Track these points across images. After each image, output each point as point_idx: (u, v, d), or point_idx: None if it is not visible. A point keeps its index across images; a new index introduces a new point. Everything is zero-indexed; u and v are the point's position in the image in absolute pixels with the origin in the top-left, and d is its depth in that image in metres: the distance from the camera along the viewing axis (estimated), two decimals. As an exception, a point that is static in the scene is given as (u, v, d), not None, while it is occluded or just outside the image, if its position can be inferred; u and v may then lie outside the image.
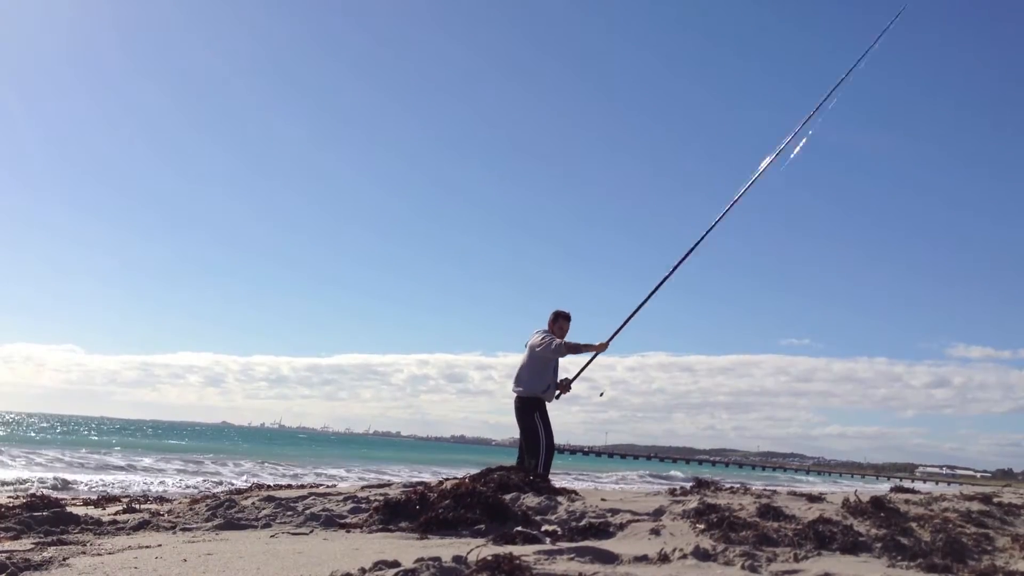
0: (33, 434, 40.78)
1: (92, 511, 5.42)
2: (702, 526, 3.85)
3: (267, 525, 4.59)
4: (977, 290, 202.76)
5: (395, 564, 3.07)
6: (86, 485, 12.17)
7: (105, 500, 6.42)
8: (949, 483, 77.11)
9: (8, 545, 3.78)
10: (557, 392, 6.52)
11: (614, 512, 4.46)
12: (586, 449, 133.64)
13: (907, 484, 7.41)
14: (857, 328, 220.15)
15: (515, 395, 6.43)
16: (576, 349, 6.35)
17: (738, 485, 5.95)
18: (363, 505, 4.90)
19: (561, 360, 6.53)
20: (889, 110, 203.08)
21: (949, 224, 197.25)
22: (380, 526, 4.36)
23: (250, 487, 6.76)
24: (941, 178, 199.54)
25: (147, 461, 20.27)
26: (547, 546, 3.62)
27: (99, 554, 3.54)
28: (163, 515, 4.98)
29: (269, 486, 6.86)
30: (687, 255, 6.59)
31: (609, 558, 3.37)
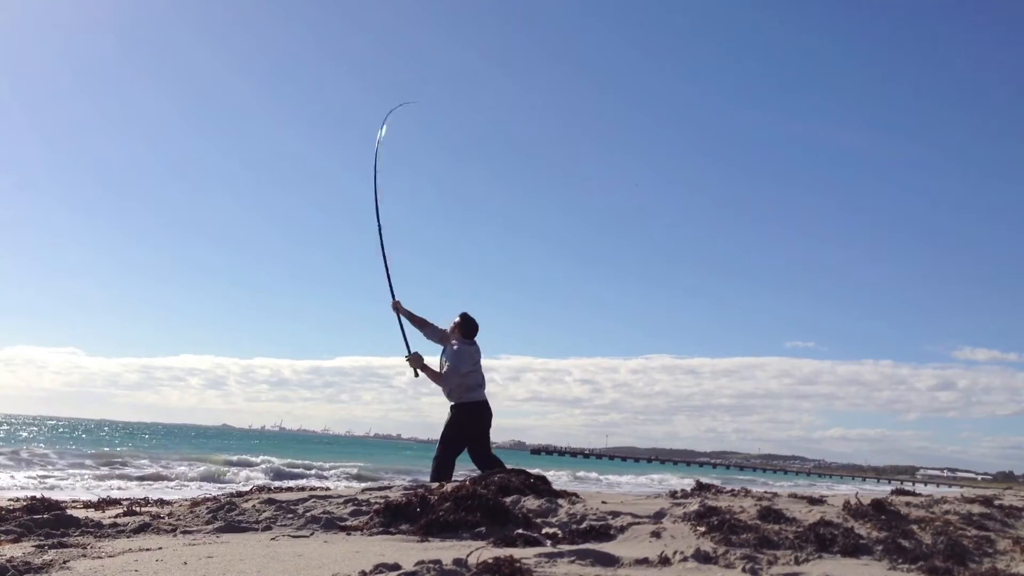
0: (35, 436, 40.75)
1: (92, 514, 5.41)
2: (703, 529, 3.84)
3: (267, 528, 4.58)
4: (984, 292, 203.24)
5: (396, 567, 3.06)
6: (86, 487, 12.17)
7: (105, 503, 6.40)
8: (950, 485, 77.12)
9: (8, 548, 3.78)
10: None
11: (615, 515, 4.46)
12: (587, 451, 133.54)
13: (908, 487, 7.39)
14: (863, 331, 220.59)
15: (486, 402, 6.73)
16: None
17: (739, 488, 5.94)
18: (363, 508, 4.89)
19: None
20: (896, 112, 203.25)
21: (956, 226, 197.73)
22: (380, 529, 4.35)
23: (251, 489, 6.74)
24: (948, 180, 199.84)
25: (148, 463, 20.25)
26: (548, 548, 3.61)
27: (99, 557, 3.53)
28: (163, 518, 4.97)
29: (270, 488, 6.84)
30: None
31: (610, 561, 3.37)
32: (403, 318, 7.00)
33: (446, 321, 7.06)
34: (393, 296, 7.01)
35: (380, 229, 7.19)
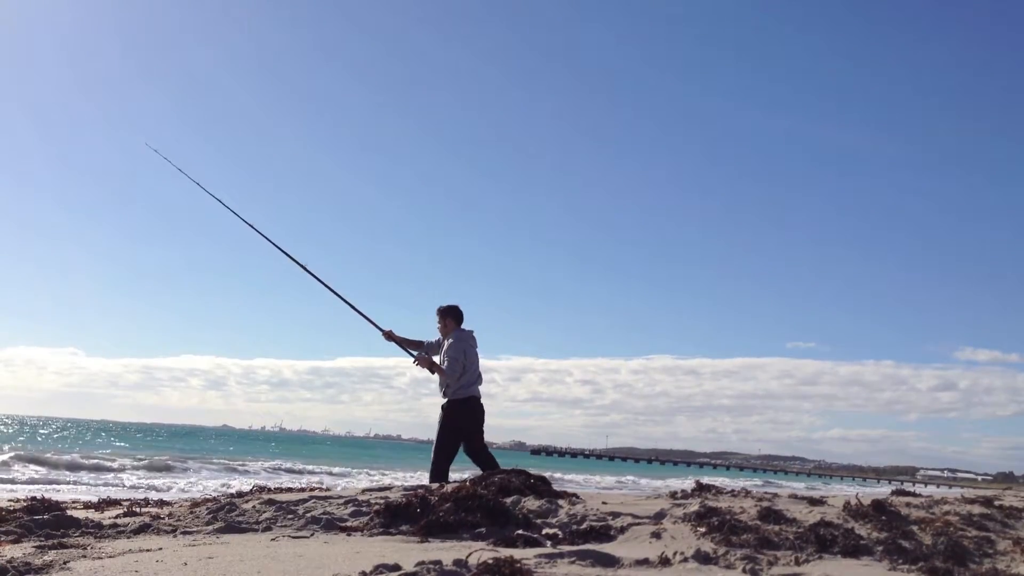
0: (35, 437, 40.78)
1: (92, 514, 5.42)
2: (703, 529, 3.85)
3: (268, 528, 4.58)
4: (984, 293, 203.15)
5: (396, 567, 3.07)
6: (86, 487, 12.17)
7: (105, 503, 6.40)
8: (950, 486, 77.14)
9: (8, 549, 3.78)
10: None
11: (615, 515, 4.46)
12: (587, 452, 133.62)
13: (908, 487, 7.41)
14: (864, 331, 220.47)
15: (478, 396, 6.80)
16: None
17: (739, 488, 5.94)
18: (364, 508, 4.90)
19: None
20: (896, 112, 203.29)
21: (956, 227, 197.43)
22: (381, 529, 4.36)
23: (251, 490, 6.74)
24: (949, 181, 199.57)
25: (149, 464, 20.25)
26: (548, 549, 3.61)
27: (99, 558, 3.54)
28: (164, 518, 4.97)
29: (270, 489, 6.85)
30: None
31: (610, 561, 3.37)
32: (399, 345, 7.04)
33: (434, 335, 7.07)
34: (380, 328, 6.98)
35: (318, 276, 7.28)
